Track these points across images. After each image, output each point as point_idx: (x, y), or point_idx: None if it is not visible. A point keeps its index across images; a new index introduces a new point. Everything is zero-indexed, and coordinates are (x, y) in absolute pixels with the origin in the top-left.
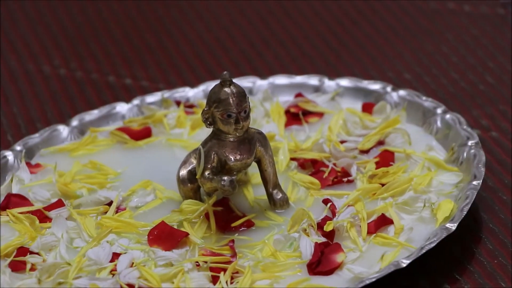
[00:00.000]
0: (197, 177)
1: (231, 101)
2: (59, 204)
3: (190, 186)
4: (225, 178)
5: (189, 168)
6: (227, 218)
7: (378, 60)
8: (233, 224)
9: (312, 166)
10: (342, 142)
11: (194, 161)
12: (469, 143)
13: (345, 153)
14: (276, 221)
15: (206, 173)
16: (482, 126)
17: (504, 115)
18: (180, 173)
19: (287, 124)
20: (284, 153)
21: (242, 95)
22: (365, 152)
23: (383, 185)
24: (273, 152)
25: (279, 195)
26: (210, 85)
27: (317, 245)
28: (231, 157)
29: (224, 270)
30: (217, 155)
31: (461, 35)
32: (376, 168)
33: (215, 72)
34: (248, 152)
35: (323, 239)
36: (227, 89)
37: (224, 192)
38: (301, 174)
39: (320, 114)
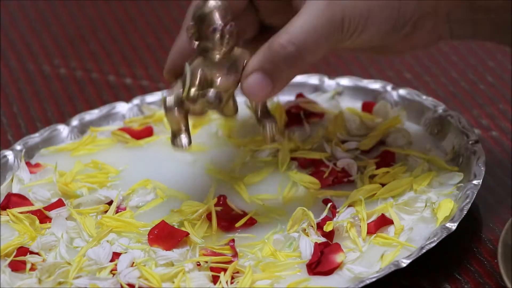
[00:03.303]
0: (183, 96)
1: (216, 15)
2: (59, 204)
3: (178, 111)
4: (211, 90)
5: (176, 92)
6: (227, 217)
7: (378, 59)
8: (237, 224)
9: (312, 166)
10: (342, 141)
11: (180, 86)
12: (469, 142)
13: (345, 153)
14: (278, 215)
15: (192, 90)
16: (482, 125)
17: (504, 114)
18: (167, 99)
19: (288, 124)
20: (284, 152)
21: (227, 8)
22: (366, 151)
23: (383, 185)
24: (273, 152)
25: (269, 123)
26: None
27: (316, 245)
28: (217, 74)
29: (225, 270)
30: (203, 73)
31: None
32: (377, 168)
33: None
34: (235, 71)
35: (322, 239)
36: (211, 3)
37: (210, 105)
38: (301, 174)
39: (320, 114)
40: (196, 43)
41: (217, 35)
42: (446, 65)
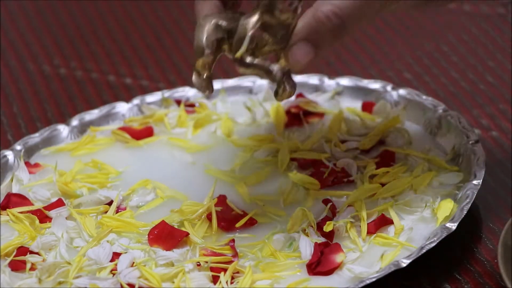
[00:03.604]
0: (236, 56)
1: None
2: (59, 203)
3: (211, 53)
4: (275, 67)
5: (219, 36)
6: (227, 217)
7: (378, 59)
8: (237, 224)
9: (312, 166)
10: (342, 141)
11: (224, 25)
12: (469, 142)
13: (345, 153)
14: (278, 215)
15: (248, 58)
16: (482, 125)
17: (504, 114)
18: (205, 37)
19: (288, 125)
20: (284, 153)
21: None
22: (365, 151)
23: (383, 185)
24: (273, 153)
25: (288, 85)
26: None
27: (316, 245)
28: (272, 41)
29: (225, 270)
30: (261, 36)
31: (461, 35)
32: (377, 168)
33: (215, 71)
34: (286, 40)
35: (322, 239)
36: None
37: (271, 79)
38: (301, 175)
39: (320, 115)
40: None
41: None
42: (446, 65)
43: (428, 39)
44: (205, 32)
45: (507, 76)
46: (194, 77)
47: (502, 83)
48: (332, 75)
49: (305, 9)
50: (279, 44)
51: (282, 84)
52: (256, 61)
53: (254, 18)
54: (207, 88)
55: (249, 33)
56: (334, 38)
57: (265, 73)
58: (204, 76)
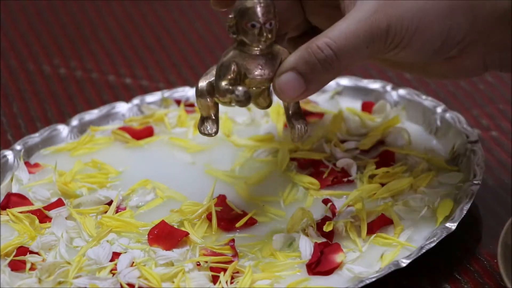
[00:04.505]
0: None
1: (257, 11)
2: (59, 203)
3: (209, 99)
4: (240, 88)
5: (210, 80)
6: (226, 217)
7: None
8: (237, 224)
9: (311, 166)
10: (342, 141)
11: (214, 73)
12: (469, 142)
13: (345, 153)
14: (278, 215)
15: (223, 83)
16: (482, 125)
17: (504, 114)
18: (199, 85)
19: (287, 125)
20: (283, 153)
21: (269, 6)
22: (365, 151)
23: (383, 185)
24: (273, 153)
25: (299, 124)
26: None
27: (316, 245)
28: (252, 70)
29: (225, 270)
30: (237, 66)
31: None
32: (376, 168)
33: None
34: (271, 67)
35: (322, 239)
36: None
37: (238, 103)
38: (301, 175)
39: (320, 114)
40: (234, 36)
41: (256, 31)
42: None
43: None
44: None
45: (506, 76)
46: (199, 121)
47: (501, 83)
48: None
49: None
50: (265, 75)
51: (291, 124)
52: (226, 86)
53: (230, 50)
54: (215, 131)
55: (219, 63)
56: (326, 71)
57: (231, 94)
58: (209, 122)
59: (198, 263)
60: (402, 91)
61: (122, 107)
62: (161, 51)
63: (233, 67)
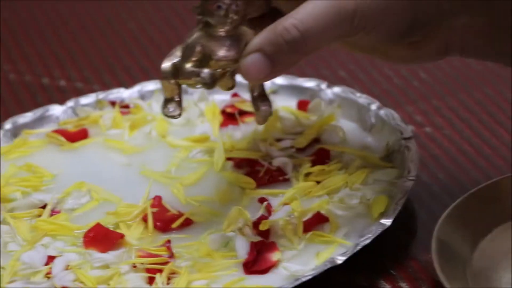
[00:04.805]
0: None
1: None
2: None
3: (173, 81)
4: (205, 70)
5: (174, 61)
6: (162, 218)
7: (313, 58)
8: (174, 225)
9: (247, 166)
10: (278, 140)
11: (179, 55)
12: (403, 138)
13: (280, 152)
14: (214, 215)
15: (188, 65)
16: (415, 121)
17: (437, 110)
18: (163, 66)
19: (223, 124)
20: (219, 153)
21: None
22: (301, 150)
23: (318, 182)
24: (208, 153)
25: (264, 106)
26: (145, 85)
27: (252, 244)
28: (217, 51)
29: (161, 271)
30: (202, 47)
31: None
32: (312, 166)
33: (150, 72)
34: (236, 49)
35: (259, 238)
36: None
37: (203, 85)
38: (237, 174)
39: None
40: (199, 17)
41: (221, 12)
42: (380, 62)
43: None
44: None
45: (439, 72)
46: (163, 103)
47: (434, 80)
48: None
49: None
50: (230, 56)
51: (256, 106)
52: (191, 68)
53: (194, 31)
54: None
55: (183, 44)
56: (292, 53)
57: (196, 76)
58: (174, 99)
59: (134, 265)
60: (336, 89)
61: (56, 109)
62: (95, 53)
63: (198, 48)
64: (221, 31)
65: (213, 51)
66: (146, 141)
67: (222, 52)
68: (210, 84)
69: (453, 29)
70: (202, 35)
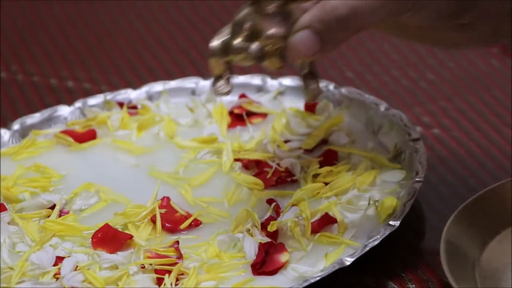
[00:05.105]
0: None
1: None
2: (1, 208)
3: (222, 58)
4: (254, 45)
5: (223, 38)
6: (171, 219)
7: (320, 59)
8: (182, 226)
9: (256, 167)
10: (286, 141)
11: (228, 32)
12: (411, 140)
13: (288, 153)
14: (222, 216)
15: (237, 41)
16: (423, 123)
17: (444, 111)
18: (212, 44)
19: (231, 125)
20: (227, 154)
21: None
22: (309, 151)
23: (326, 184)
24: (217, 154)
25: (313, 84)
26: (153, 86)
27: (261, 245)
28: (266, 28)
29: (169, 272)
30: (251, 24)
31: None
32: (320, 167)
33: (157, 73)
34: (286, 25)
35: (267, 239)
36: None
37: (252, 60)
38: (245, 175)
39: (264, 115)
40: None
41: None
42: (387, 64)
43: (369, 37)
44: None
45: (447, 73)
46: (212, 82)
47: (442, 81)
48: (275, 75)
49: None
50: (280, 33)
51: (305, 84)
52: (240, 44)
53: (245, 7)
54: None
55: (233, 21)
56: (341, 30)
57: (245, 52)
58: (223, 77)
59: (143, 265)
60: (344, 90)
61: (64, 110)
62: (103, 53)
63: (247, 24)
64: (271, 8)
65: (262, 28)
66: (154, 142)
67: (271, 29)
68: (259, 58)
69: (504, 13)
70: (252, 11)
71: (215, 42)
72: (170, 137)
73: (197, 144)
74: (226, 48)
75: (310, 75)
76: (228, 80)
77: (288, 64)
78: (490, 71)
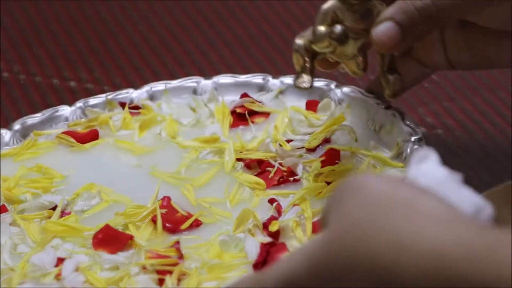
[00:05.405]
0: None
1: None
2: (2, 209)
3: (305, 52)
4: (338, 26)
5: (306, 35)
6: (172, 219)
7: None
8: (183, 226)
9: (258, 167)
10: (288, 141)
11: (311, 33)
12: (413, 138)
13: (291, 153)
14: (224, 216)
15: (321, 28)
16: (427, 123)
17: (448, 112)
18: (296, 40)
19: (233, 125)
20: (230, 153)
21: None
22: (311, 150)
23: (329, 183)
24: (218, 153)
25: (393, 79)
26: (155, 86)
27: (262, 245)
28: (349, 19)
29: (171, 272)
30: (335, 15)
31: None
32: (322, 167)
33: (159, 73)
34: (369, 18)
35: (268, 239)
36: None
37: (335, 40)
38: (247, 175)
39: (266, 114)
40: None
41: None
42: None
43: None
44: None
45: (450, 74)
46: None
47: (446, 81)
48: (276, 74)
49: None
50: (362, 25)
51: (385, 78)
52: (323, 30)
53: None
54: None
55: (318, 13)
56: (424, 22)
57: (329, 37)
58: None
59: (144, 266)
60: (346, 89)
61: (65, 110)
62: (106, 54)
63: (331, 15)
64: (355, 1)
65: (346, 19)
66: (156, 142)
67: (353, 21)
68: (342, 37)
69: None
70: (337, 3)
71: (298, 39)
72: (172, 137)
73: (199, 144)
74: (308, 43)
75: (390, 70)
76: (310, 75)
77: (368, 66)
78: (495, 72)
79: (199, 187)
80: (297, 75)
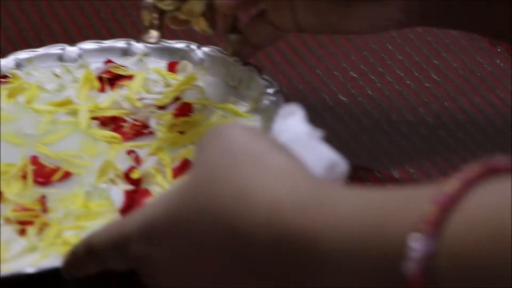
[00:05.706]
0: None
1: None
2: None
3: (155, 11)
4: None
5: None
6: (40, 173)
7: (323, 58)
8: (54, 178)
9: (112, 123)
10: (140, 99)
11: None
12: (269, 91)
13: (144, 109)
14: (84, 166)
15: None
16: (428, 124)
17: (449, 112)
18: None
19: (102, 90)
20: (83, 112)
21: None
22: (162, 108)
23: (182, 133)
24: (74, 114)
25: (234, 37)
26: (21, 54)
27: (126, 193)
28: None
29: (33, 223)
30: None
31: (406, 33)
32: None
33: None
34: None
35: (131, 187)
36: None
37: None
38: (102, 131)
39: (130, 77)
40: None
41: None
42: (392, 63)
43: (373, 37)
44: None
45: (451, 73)
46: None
47: (447, 81)
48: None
49: None
50: None
51: (226, 38)
52: None
53: None
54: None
55: None
56: None
57: None
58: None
59: (8, 218)
60: (206, 49)
61: None
62: None
63: None
64: None
65: None
66: (15, 109)
67: None
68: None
69: None
70: None
71: None
72: (28, 102)
73: (53, 107)
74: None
75: (232, 30)
76: (157, 29)
77: (217, 25)
78: (496, 71)
79: (52, 143)
80: (145, 31)
